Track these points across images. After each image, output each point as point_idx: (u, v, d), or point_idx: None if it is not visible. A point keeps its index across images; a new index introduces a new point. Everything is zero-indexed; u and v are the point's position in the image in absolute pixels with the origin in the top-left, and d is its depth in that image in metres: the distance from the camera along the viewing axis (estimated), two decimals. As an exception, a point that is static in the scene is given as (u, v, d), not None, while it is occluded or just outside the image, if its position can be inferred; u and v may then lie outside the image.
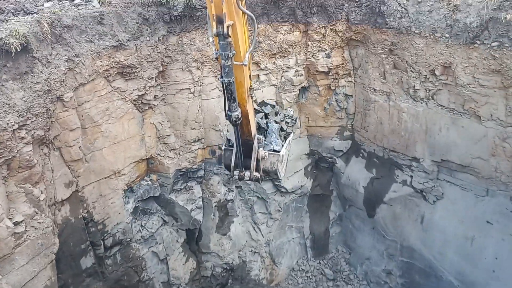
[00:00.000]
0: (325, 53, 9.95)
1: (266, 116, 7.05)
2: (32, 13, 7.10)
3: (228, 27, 4.20)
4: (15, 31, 6.34)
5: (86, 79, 7.56)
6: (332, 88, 10.40)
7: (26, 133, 6.33)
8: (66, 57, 7.18)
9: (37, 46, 6.68)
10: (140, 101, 8.93)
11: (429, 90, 8.79)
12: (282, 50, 10.01)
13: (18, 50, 6.28)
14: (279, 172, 6.63)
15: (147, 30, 8.67)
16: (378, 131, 10.06)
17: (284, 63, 10.13)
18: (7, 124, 6.05)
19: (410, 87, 9.04)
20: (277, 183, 11.03)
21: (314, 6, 9.67)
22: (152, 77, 8.90)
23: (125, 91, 8.50)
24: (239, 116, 5.19)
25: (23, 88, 6.41)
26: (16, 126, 6.14)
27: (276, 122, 6.92)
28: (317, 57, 9.97)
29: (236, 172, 6.27)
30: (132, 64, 8.43)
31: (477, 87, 7.95)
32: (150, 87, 8.89)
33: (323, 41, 9.92)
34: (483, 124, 8.13)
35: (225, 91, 4.92)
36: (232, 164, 6.23)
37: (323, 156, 11.38)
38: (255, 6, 9.57)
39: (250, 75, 5.53)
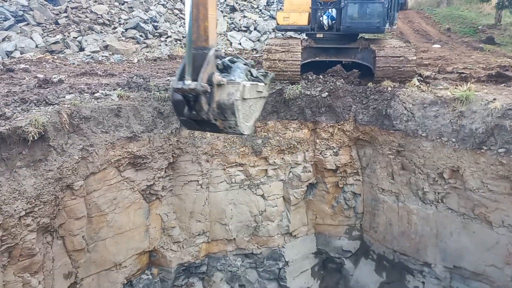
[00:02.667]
0: (333, 151, 10.11)
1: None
2: (53, 104, 7.40)
3: None
4: (35, 120, 6.58)
5: (98, 168, 7.67)
6: (340, 186, 10.40)
7: (32, 220, 6.28)
8: (81, 146, 7.35)
9: (54, 135, 6.88)
10: (148, 192, 8.95)
11: (438, 193, 8.75)
12: (290, 146, 10.20)
13: (35, 138, 6.46)
14: (237, 111, 5.25)
15: (161, 123, 8.97)
16: (387, 232, 9.85)
17: (292, 159, 10.26)
18: (15, 210, 6.04)
19: (419, 189, 9.03)
20: (280, 282, 10.58)
21: (322, 106, 10.02)
22: (162, 168, 9.01)
23: (134, 181, 8.56)
24: None
25: (35, 175, 6.48)
26: (23, 213, 6.12)
27: (246, 65, 5.66)
28: (325, 154, 10.11)
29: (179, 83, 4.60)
30: (144, 155, 8.59)
31: (486, 192, 7.92)
32: (159, 177, 8.97)
33: (331, 140, 10.13)
34: (495, 231, 7.96)
35: None
36: (177, 77, 4.71)
37: (331, 256, 11.02)
38: (265, 104, 9.91)
39: None
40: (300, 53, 10.35)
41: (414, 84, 9.66)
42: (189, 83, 4.63)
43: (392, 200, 9.65)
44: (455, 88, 9.02)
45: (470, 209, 8.28)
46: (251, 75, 5.69)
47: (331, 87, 10.02)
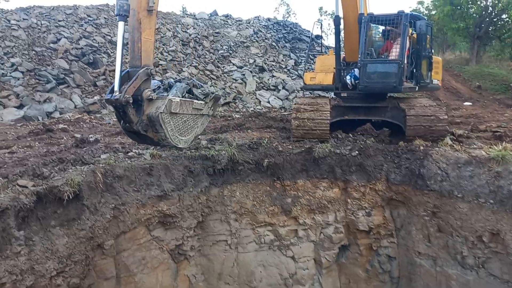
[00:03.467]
0: (366, 212, 9.85)
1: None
2: (89, 164, 7.61)
3: None
4: (71, 180, 6.75)
5: (128, 227, 7.70)
6: (374, 248, 10.02)
7: (62, 280, 6.26)
8: (113, 205, 7.44)
9: (88, 194, 7.01)
10: (176, 251, 8.85)
11: (479, 258, 8.28)
12: (321, 206, 10.02)
13: (70, 197, 6.60)
14: (163, 123, 6.00)
15: (191, 181, 9.03)
16: (425, 298, 9.30)
17: (323, 219, 10.03)
18: (46, 270, 6.05)
19: (458, 253, 8.58)
20: None
21: (353, 165, 9.89)
22: (191, 227, 8.96)
23: (163, 241, 8.52)
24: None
25: (68, 234, 6.55)
26: (54, 273, 6.12)
27: (187, 84, 6.48)
28: (357, 215, 9.86)
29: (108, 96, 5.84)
30: (174, 214, 8.59)
31: (532, 257, 7.46)
32: (188, 237, 8.90)
33: (363, 199, 9.91)
34: (544, 300, 7.40)
35: None
36: (109, 90, 5.93)
37: (365, 323, 10.43)
38: (294, 162, 9.92)
39: None
40: (329, 111, 10.46)
41: (447, 143, 9.50)
42: (115, 95, 5.59)
43: (429, 264, 9.18)
44: (490, 147, 8.82)
45: (515, 275, 7.78)
46: (191, 93, 6.50)
47: (361, 146, 9.96)
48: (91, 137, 10.27)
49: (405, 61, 10.18)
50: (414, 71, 10.55)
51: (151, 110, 5.83)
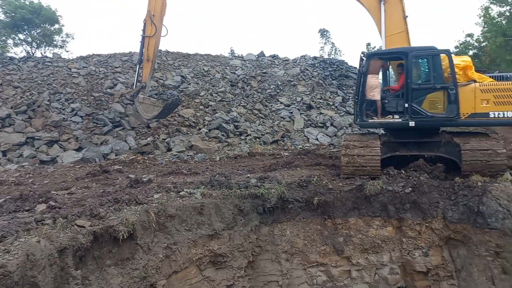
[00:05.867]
0: (422, 251, 9.40)
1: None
2: (142, 203, 7.85)
3: None
4: (126, 219, 6.98)
5: (180, 266, 7.78)
6: (433, 291, 9.49)
7: (116, 319, 6.37)
8: (165, 244, 7.58)
9: (141, 233, 7.20)
10: (228, 292, 8.80)
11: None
12: (374, 245, 9.68)
13: (125, 237, 6.80)
14: (138, 107, 15.63)
15: (241, 220, 9.06)
16: None
17: (377, 259, 9.66)
18: (101, 310, 6.19)
19: (527, 297, 7.96)
20: None
21: (406, 203, 9.55)
22: (241, 267, 8.91)
23: (214, 281, 8.51)
24: None
25: (122, 274, 6.71)
26: (109, 313, 6.25)
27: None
28: (413, 255, 9.42)
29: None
30: (224, 253, 8.61)
31: None
32: (239, 277, 8.84)
33: (419, 239, 9.48)
34: None
35: None
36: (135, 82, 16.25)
37: None
38: (345, 200, 9.72)
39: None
40: (379, 147, 10.26)
41: (507, 179, 9.02)
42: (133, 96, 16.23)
43: (495, 309, 8.53)
44: (555, 182, 8.27)
45: None
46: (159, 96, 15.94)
47: (415, 182, 9.61)
48: (145, 177, 10.63)
49: (376, 97, 10.72)
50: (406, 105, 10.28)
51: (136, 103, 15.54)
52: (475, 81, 9.94)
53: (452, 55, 10.25)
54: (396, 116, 10.64)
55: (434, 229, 9.33)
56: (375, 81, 10.85)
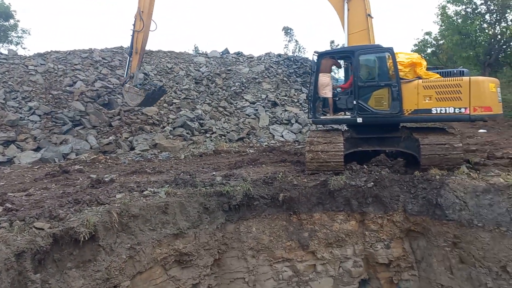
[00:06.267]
0: (384, 244, 9.65)
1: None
2: (104, 204, 7.66)
3: None
4: (87, 220, 6.80)
5: (144, 267, 7.65)
6: (395, 281, 9.74)
7: (78, 323, 6.20)
8: (129, 245, 7.43)
9: (103, 234, 7.03)
10: (193, 291, 8.73)
11: (505, 289, 8.01)
12: (339, 239, 9.85)
13: (86, 238, 6.62)
14: (124, 95, 16.81)
15: (206, 218, 9.01)
16: (451, 334, 8.92)
17: (341, 253, 9.84)
18: (62, 314, 6.00)
19: (482, 284, 8.29)
20: None
21: (369, 197, 9.78)
22: (207, 265, 8.87)
23: (180, 280, 8.43)
24: None
25: (84, 276, 6.53)
26: (70, 317, 6.07)
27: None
28: (375, 247, 9.66)
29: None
30: (190, 252, 8.54)
31: (561, 288, 7.16)
32: (205, 275, 8.79)
33: (381, 231, 9.73)
34: None
35: None
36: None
37: None
38: (310, 196, 9.84)
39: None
40: (342, 143, 10.45)
41: (464, 172, 9.37)
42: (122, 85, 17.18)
43: (453, 297, 8.88)
44: (508, 174, 8.66)
45: (544, 307, 7.47)
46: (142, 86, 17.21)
47: (377, 177, 9.85)
48: (107, 177, 10.39)
49: (328, 95, 11.30)
50: (355, 102, 10.63)
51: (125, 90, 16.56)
52: (420, 78, 10.12)
53: (404, 52, 10.58)
54: (348, 113, 11.09)
55: (395, 222, 9.60)
56: (326, 79, 11.23)
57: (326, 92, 11.22)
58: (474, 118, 9.71)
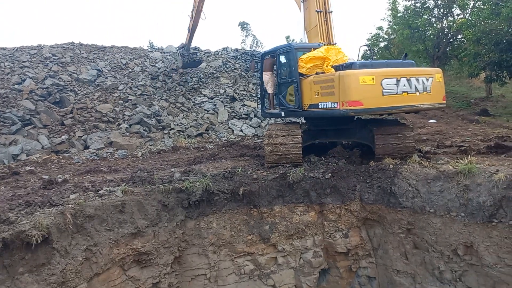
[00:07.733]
0: (343, 233, 9.88)
1: None
2: (57, 205, 7.39)
3: None
4: (39, 223, 6.53)
5: (102, 268, 7.44)
6: (354, 269, 10.00)
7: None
8: (85, 246, 7.20)
9: (57, 237, 6.78)
10: (154, 290, 8.59)
11: (455, 271, 8.37)
12: (299, 231, 9.99)
13: (39, 241, 6.36)
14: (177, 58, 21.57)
15: (165, 216, 8.87)
16: (408, 316, 9.28)
17: (302, 244, 9.99)
18: (14, 321, 5.75)
19: (435, 268, 8.66)
20: None
21: (327, 188, 9.96)
22: (168, 264, 8.74)
23: (139, 280, 8.26)
24: None
25: (37, 280, 6.28)
26: (23, 324, 5.83)
27: None
28: (334, 237, 9.87)
29: None
30: (149, 251, 8.38)
31: (504, 268, 7.57)
32: (165, 274, 8.66)
33: (339, 221, 9.94)
34: (523, 309, 7.49)
35: None
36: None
37: None
38: (270, 189, 9.90)
39: None
40: (300, 136, 10.57)
41: (415, 160, 9.72)
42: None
43: (408, 282, 9.21)
44: (457, 161, 9.06)
45: (490, 286, 7.87)
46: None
47: (334, 168, 10.07)
48: (59, 178, 10.01)
49: (269, 91, 12.30)
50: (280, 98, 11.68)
51: None
52: (317, 73, 10.24)
53: (335, 47, 10.86)
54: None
55: (352, 211, 9.83)
56: (266, 76, 12.24)
57: (268, 88, 12.27)
58: (343, 113, 9.16)
